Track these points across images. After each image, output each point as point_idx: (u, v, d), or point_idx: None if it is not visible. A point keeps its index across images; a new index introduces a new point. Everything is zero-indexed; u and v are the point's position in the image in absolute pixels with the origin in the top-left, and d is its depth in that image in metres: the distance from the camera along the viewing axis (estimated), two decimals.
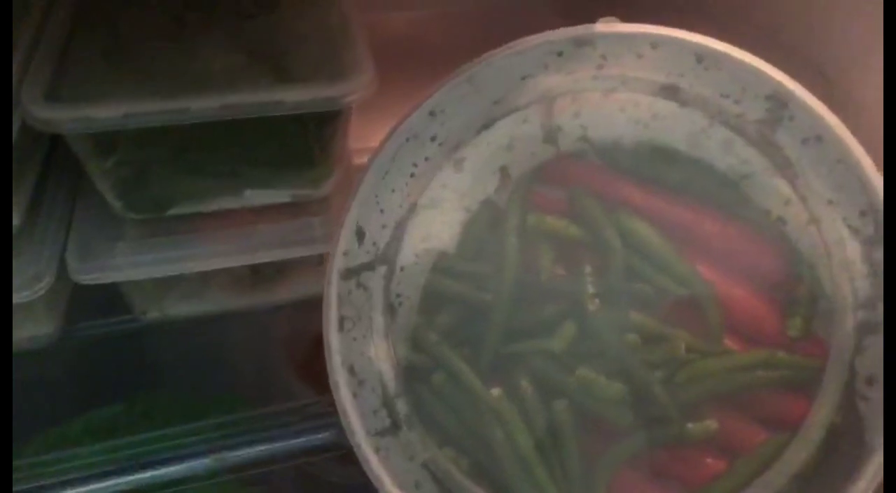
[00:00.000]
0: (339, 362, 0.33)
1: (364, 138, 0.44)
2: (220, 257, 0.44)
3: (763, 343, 0.31)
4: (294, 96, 0.39)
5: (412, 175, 0.34)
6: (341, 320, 0.33)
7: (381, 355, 0.33)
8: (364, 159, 0.35)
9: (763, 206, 0.32)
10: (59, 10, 0.45)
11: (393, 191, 0.34)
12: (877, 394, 0.29)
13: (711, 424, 0.31)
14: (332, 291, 0.33)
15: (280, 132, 0.43)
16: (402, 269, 0.34)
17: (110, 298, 0.47)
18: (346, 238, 0.34)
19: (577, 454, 0.32)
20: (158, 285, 0.46)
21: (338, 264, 0.33)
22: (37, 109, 0.37)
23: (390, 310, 0.34)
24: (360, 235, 0.34)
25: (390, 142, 0.33)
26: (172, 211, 0.44)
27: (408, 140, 0.34)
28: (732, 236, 0.32)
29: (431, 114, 0.33)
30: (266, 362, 0.56)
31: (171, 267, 0.44)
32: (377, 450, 0.33)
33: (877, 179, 0.29)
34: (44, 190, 0.45)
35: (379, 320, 0.34)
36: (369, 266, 0.34)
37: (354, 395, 0.33)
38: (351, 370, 0.33)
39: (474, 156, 0.34)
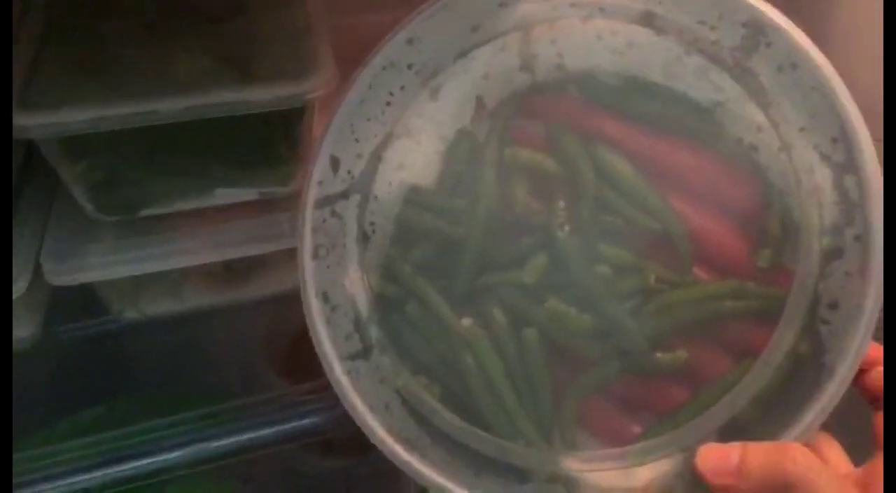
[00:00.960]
0: (312, 289, 0.34)
1: None
2: (191, 255, 0.46)
3: (733, 274, 0.32)
4: (257, 96, 0.41)
5: (388, 103, 0.34)
6: (315, 249, 0.34)
7: (355, 283, 0.34)
8: None
9: (735, 134, 0.33)
10: (31, 19, 0.46)
11: (368, 120, 0.34)
12: (838, 318, 0.29)
13: (681, 354, 0.31)
14: (307, 219, 0.34)
15: (247, 132, 0.44)
16: (376, 198, 0.35)
17: (88, 300, 0.48)
18: (320, 167, 0.34)
19: (547, 383, 0.33)
20: (134, 284, 0.47)
21: (312, 193, 0.34)
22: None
23: (364, 239, 0.34)
24: (334, 164, 0.34)
25: (367, 70, 0.34)
26: (144, 212, 0.45)
27: (384, 68, 0.34)
28: (706, 168, 0.33)
29: (409, 41, 0.34)
30: (246, 359, 0.57)
31: (144, 266, 0.45)
32: (348, 372, 0.33)
33: (851, 107, 0.29)
34: (20, 194, 0.46)
35: (353, 248, 0.34)
36: (343, 195, 0.34)
37: (327, 321, 0.33)
38: (324, 297, 0.34)
39: (451, 84, 0.35)
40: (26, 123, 0.38)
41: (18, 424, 0.53)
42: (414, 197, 0.35)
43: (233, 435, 0.46)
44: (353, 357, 0.33)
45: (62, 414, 0.54)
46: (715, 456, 0.29)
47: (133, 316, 0.49)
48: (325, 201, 0.34)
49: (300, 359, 0.60)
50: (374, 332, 0.34)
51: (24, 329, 0.47)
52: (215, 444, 0.46)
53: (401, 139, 0.35)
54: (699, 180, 0.33)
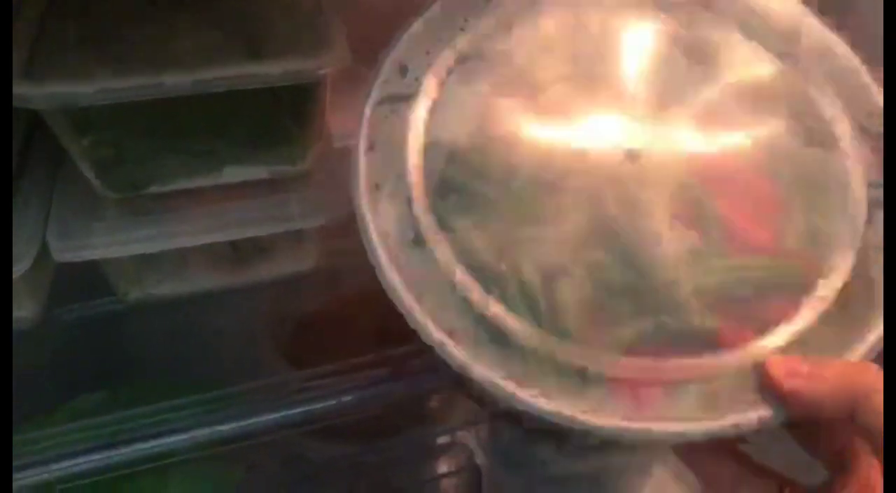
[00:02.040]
0: (364, 178, 0.33)
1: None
2: (198, 235, 0.45)
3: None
4: (266, 69, 0.40)
5: (462, 30, 0.36)
6: (371, 143, 0.33)
7: (410, 173, 0.33)
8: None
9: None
10: None
11: (440, 40, 0.35)
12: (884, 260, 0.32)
13: (713, 321, 0.31)
14: (366, 113, 0.34)
15: (256, 108, 0.43)
16: (440, 110, 0.34)
17: (92, 280, 0.47)
18: (387, 70, 0.35)
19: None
20: (139, 264, 0.47)
21: (376, 91, 0.34)
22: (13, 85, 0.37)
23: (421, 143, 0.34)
24: (402, 70, 0.35)
25: None
26: (151, 189, 0.44)
27: None
28: None
29: None
30: (252, 343, 0.56)
31: (150, 245, 0.44)
32: (397, 259, 0.32)
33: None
34: (23, 171, 0.45)
35: (412, 145, 0.33)
36: (407, 97, 0.34)
37: (375, 209, 0.32)
38: (375, 187, 0.33)
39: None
40: (31, 92, 0.37)
41: (18, 407, 0.53)
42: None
43: (237, 420, 0.45)
44: (404, 245, 0.32)
45: (63, 398, 0.53)
46: (785, 362, 0.29)
47: (138, 297, 0.48)
48: (388, 99, 0.34)
49: (304, 343, 0.59)
50: (426, 223, 0.33)
51: (26, 309, 0.46)
52: (219, 428, 0.45)
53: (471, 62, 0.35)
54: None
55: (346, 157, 0.34)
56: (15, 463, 0.45)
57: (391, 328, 0.62)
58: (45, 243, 0.43)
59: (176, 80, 0.39)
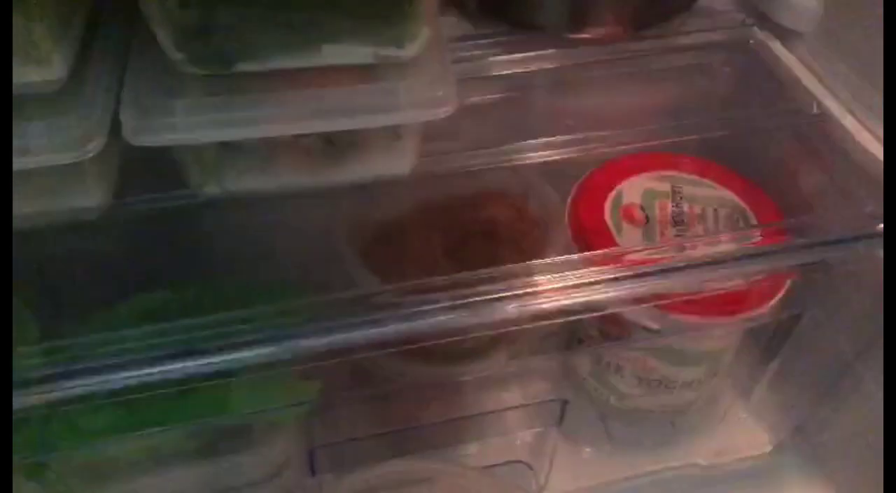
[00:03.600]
0: None
1: None
2: (291, 122, 0.39)
3: None
4: None
5: None
6: None
7: None
8: None
9: None
10: None
11: None
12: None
13: None
14: None
15: None
16: None
17: (164, 170, 0.42)
18: None
19: None
20: (219, 154, 0.41)
21: None
22: None
23: None
24: None
25: None
26: (240, 66, 0.38)
27: None
28: None
29: None
30: (327, 247, 0.51)
31: (238, 131, 0.39)
32: None
33: None
34: (92, 39, 0.39)
35: None
36: None
37: None
38: None
39: None
40: None
41: (82, 298, 0.50)
42: None
43: (322, 335, 0.41)
44: None
45: (128, 294, 0.49)
46: None
47: (214, 192, 0.43)
48: None
49: (385, 250, 0.54)
50: None
51: (92, 197, 0.41)
52: (302, 343, 0.40)
53: None
54: None
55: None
56: (66, 369, 0.41)
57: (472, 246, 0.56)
58: (115, 123, 0.38)
59: None
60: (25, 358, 0.42)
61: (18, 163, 0.36)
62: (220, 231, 0.50)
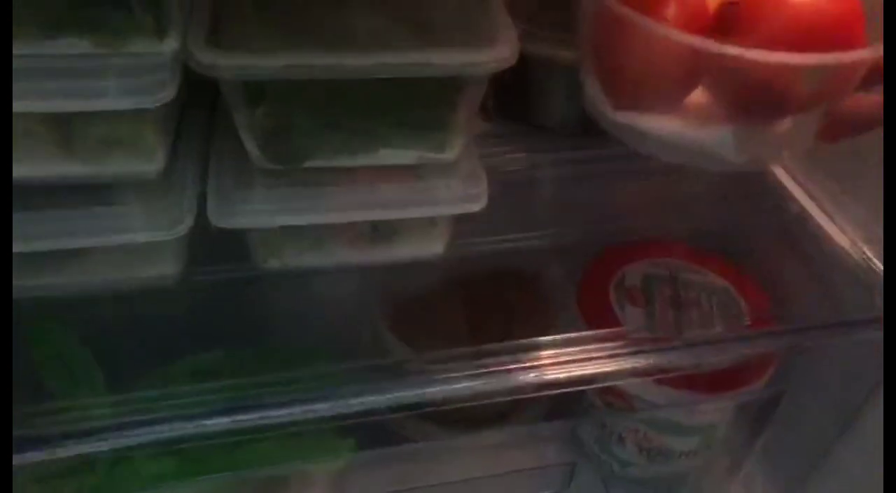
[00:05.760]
0: None
1: None
2: (348, 211, 0.46)
3: None
4: (444, 59, 0.41)
5: None
6: None
7: None
8: None
9: None
10: None
11: None
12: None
13: None
14: None
15: (420, 94, 0.44)
16: None
17: (231, 245, 0.48)
18: None
19: None
20: (283, 235, 0.48)
21: None
22: (201, 54, 0.39)
23: None
24: None
25: None
26: (309, 163, 0.45)
27: None
28: None
29: None
30: (365, 318, 0.57)
31: (303, 218, 0.45)
32: None
33: None
34: (179, 136, 0.46)
35: None
36: None
37: None
38: None
39: None
40: (222, 62, 0.38)
41: (146, 358, 0.55)
42: None
43: (357, 396, 0.46)
44: None
45: (184, 354, 0.55)
46: None
47: (274, 266, 0.49)
48: None
49: (417, 323, 0.61)
50: None
51: (169, 268, 0.48)
52: (346, 402, 0.46)
53: None
54: None
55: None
56: (131, 419, 0.46)
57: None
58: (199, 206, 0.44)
59: (357, 63, 0.40)
60: (94, 408, 0.48)
61: (119, 239, 0.43)
62: (272, 300, 0.56)
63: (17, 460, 0.41)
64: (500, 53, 0.41)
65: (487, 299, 0.63)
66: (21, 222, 0.40)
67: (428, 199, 0.46)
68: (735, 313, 0.64)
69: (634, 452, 0.66)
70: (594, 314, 0.62)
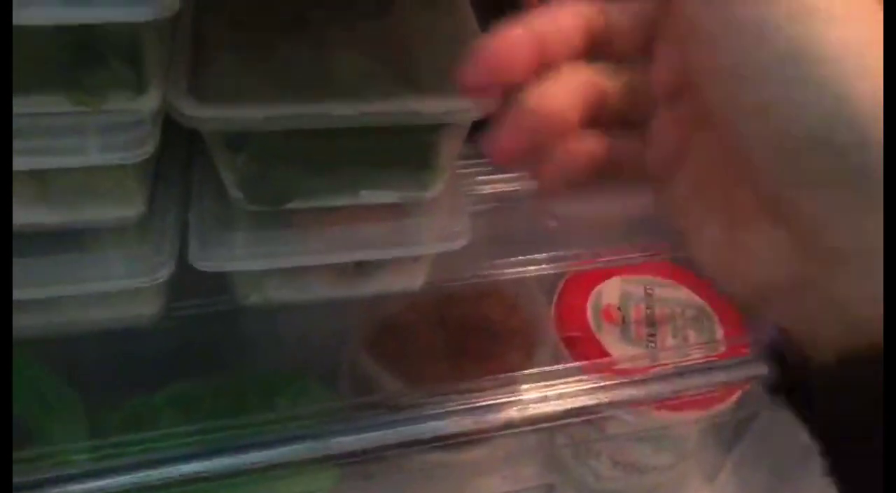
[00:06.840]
0: None
1: None
2: (330, 252, 0.46)
3: None
4: (430, 108, 0.41)
5: None
6: None
7: None
8: None
9: None
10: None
11: None
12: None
13: None
14: None
15: (404, 139, 0.44)
16: None
17: (211, 281, 0.48)
18: None
19: None
20: (264, 274, 0.47)
21: None
22: (182, 105, 0.38)
23: None
24: None
25: None
26: (291, 205, 0.44)
27: None
28: None
29: None
30: (341, 344, 0.58)
31: (285, 260, 0.45)
32: None
33: None
34: (158, 176, 0.46)
35: None
36: None
37: None
38: None
39: None
40: (202, 114, 0.38)
41: (120, 394, 0.55)
42: None
43: (347, 434, 0.47)
44: None
45: (163, 385, 0.55)
46: None
47: (256, 302, 0.49)
48: None
49: (390, 344, 0.61)
50: None
51: (150, 308, 0.47)
52: (336, 440, 0.46)
53: None
54: None
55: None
56: (110, 464, 0.46)
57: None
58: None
59: (343, 112, 0.39)
60: (75, 454, 0.48)
61: (100, 286, 0.42)
62: (250, 328, 0.56)
63: None
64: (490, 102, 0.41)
65: (465, 318, 0.64)
66: None
67: (411, 238, 0.46)
68: (710, 329, 0.65)
69: (609, 465, 0.67)
70: (572, 335, 0.63)
